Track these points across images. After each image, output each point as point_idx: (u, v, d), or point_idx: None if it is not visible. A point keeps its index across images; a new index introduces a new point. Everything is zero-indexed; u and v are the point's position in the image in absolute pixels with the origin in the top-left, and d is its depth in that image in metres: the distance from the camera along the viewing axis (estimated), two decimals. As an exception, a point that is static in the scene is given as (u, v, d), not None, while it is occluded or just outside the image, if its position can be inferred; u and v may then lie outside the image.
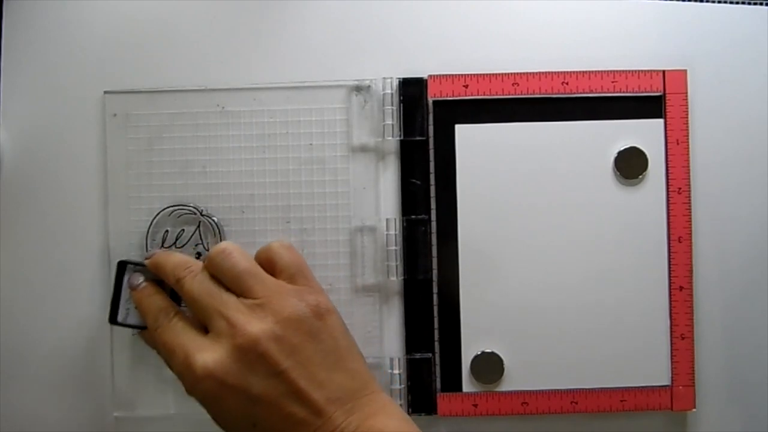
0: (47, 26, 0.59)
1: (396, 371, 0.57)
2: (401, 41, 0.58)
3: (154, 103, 0.58)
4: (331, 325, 0.48)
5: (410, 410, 0.57)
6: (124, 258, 0.55)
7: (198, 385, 0.46)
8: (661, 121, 0.58)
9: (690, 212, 0.57)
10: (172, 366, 0.49)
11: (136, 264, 0.54)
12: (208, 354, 0.46)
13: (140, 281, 0.53)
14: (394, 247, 0.57)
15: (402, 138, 0.58)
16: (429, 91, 0.58)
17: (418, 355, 0.57)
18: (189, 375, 0.46)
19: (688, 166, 0.57)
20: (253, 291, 0.48)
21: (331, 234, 0.57)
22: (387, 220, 0.57)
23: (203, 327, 0.49)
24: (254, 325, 0.46)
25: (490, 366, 0.57)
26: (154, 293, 0.52)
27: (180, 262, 0.51)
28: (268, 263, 0.50)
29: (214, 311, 0.47)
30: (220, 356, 0.46)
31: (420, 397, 0.57)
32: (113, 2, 0.59)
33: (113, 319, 0.54)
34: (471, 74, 0.57)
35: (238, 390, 0.45)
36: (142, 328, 0.53)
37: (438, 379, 0.57)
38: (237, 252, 0.49)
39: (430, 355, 0.57)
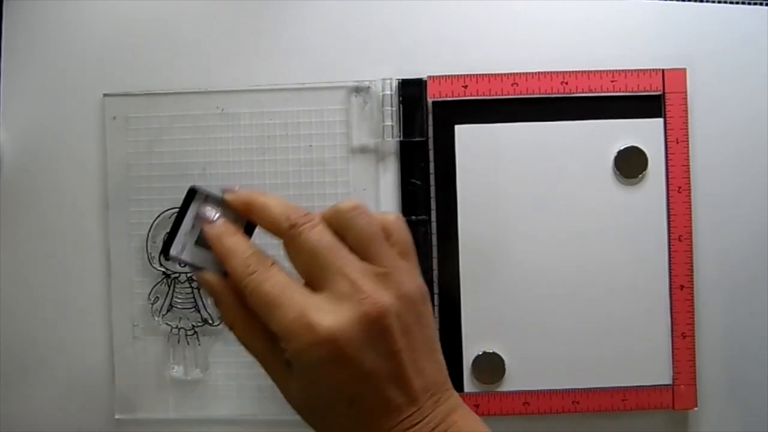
0: (47, 27, 0.59)
1: (397, 372, 0.57)
2: (400, 42, 0.58)
3: (154, 105, 0.58)
4: (430, 312, 0.45)
5: (412, 411, 0.57)
6: (196, 184, 0.47)
7: (313, 349, 0.41)
8: (660, 120, 0.58)
9: (690, 211, 0.57)
10: (271, 321, 0.42)
11: (209, 195, 0.46)
12: (330, 316, 0.41)
13: (216, 215, 0.46)
14: (394, 248, 0.57)
15: (402, 139, 0.58)
16: (428, 91, 0.57)
17: (419, 356, 0.57)
18: (305, 335, 0.41)
19: (688, 165, 0.57)
20: (380, 258, 0.43)
21: (331, 235, 0.57)
22: (387, 221, 0.57)
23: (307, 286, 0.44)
24: (383, 295, 0.42)
25: (491, 366, 0.57)
26: (237, 232, 0.45)
27: (293, 206, 0.44)
28: (384, 232, 0.45)
29: (337, 270, 0.42)
30: (345, 321, 0.41)
31: (421, 398, 0.57)
32: (113, 4, 0.59)
33: (166, 251, 0.46)
34: (470, 74, 0.57)
35: (352, 363, 0.41)
36: (197, 269, 0.46)
37: (439, 380, 0.57)
38: (368, 213, 0.44)
39: (431, 355, 0.57)
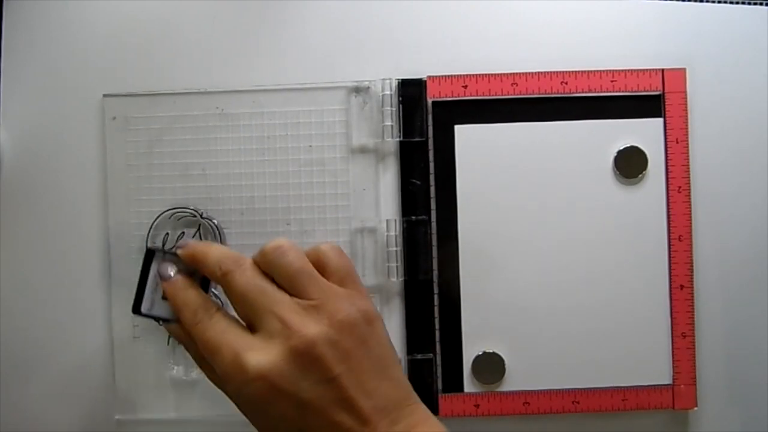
0: (47, 27, 0.59)
1: (397, 372, 0.57)
2: (400, 42, 0.58)
3: (153, 105, 0.58)
4: (379, 332, 0.46)
5: (412, 411, 0.57)
6: (153, 245, 0.51)
7: (247, 387, 0.43)
8: (660, 120, 0.58)
9: (690, 211, 0.57)
10: (214, 364, 0.45)
11: (166, 252, 0.50)
12: (260, 354, 0.43)
13: (172, 272, 0.49)
14: (394, 248, 0.57)
15: (401, 139, 0.58)
16: (428, 91, 0.57)
17: (419, 356, 0.57)
18: (238, 375, 0.44)
19: (688, 165, 0.57)
20: (307, 291, 0.45)
21: (331, 235, 0.57)
22: (387, 221, 0.57)
23: (247, 326, 0.46)
24: (310, 327, 0.44)
25: (491, 366, 0.57)
26: (189, 286, 0.49)
27: (227, 254, 0.48)
28: (317, 265, 0.48)
29: (267, 310, 0.45)
30: (274, 357, 0.43)
31: (421, 398, 0.56)
32: (113, 4, 0.59)
33: (137, 309, 0.50)
34: (470, 74, 0.57)
35: (289, 394, 0.43)
36: (167, 321, 0.50)
37: (439, 380, 0.57)
38: (293, 250, 0.47)
39: (432, 355, 0.57)
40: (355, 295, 0.47)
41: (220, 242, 0.57)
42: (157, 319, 0.50)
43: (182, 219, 0.57)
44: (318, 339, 0.44)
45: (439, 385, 0.57)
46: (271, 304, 0.45)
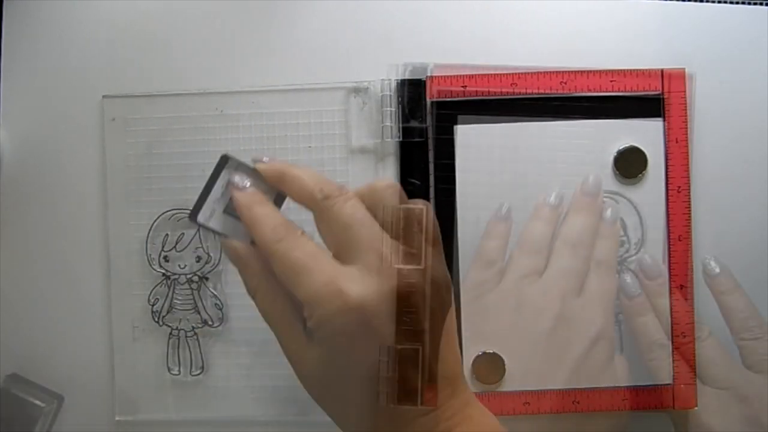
0: (47, 28, 0.59)
1: (397, 373, 0.57)
2: (399, 42, 0.58)
3: (153, 107, 0.58)
4: (451, 304, 0.45)
5: (412, 411, 0.57)
6: (228, 153, 0.48)
7: (340, 316, 0.41)
8: (660, 120, 0.57)
9: (690, 211, 0.57)
10: (299, 286, 0.43)
11: (240, 164, 0.47)
12: (360, 286, 0.41)
13: (247, 184, 0.46)
14: (394, 249, 0.57)
15: (401, 139, 0.57)
16: (428, 92, 0.57)
17: (419, 356, 0.57)
18: (333, 301, 0.41)
19: (688, 165, 0.57)
20: (410, 239, 0.43)
21: (331, 236, 0.57)
22: (387, 221, 0.57)
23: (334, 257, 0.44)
24: (413, 273, 0.42)
25: (491, 366, 0.57)
26: (267, 202, 0.46)
27: (326, 179, 0.45)
28: (415, 216, 0.44)
29: (368, 244, 0.42)
30: (375, 292, 0.41)
31: (421, 399, 0.57)
32: (112, 5, 0.59)
33: (194, 217, 0.47)
34: (470, 75, 0.57)
35: (376, 335, 0.41)
36: (221, 235, 0.47)
37: (439, 380, 0.57)
38: (404, 194, 0.44)
39: (431, 356, 0.57)
40: (441, 258, 0.45)
41: (220, 243, 0.57)
42: (212, 232, 0.47)
43: (182, 220, 0.57)
44: (418, 287, 0.42)
45: (439, 386, 0.57)
46: (374, 240, 0.42)
